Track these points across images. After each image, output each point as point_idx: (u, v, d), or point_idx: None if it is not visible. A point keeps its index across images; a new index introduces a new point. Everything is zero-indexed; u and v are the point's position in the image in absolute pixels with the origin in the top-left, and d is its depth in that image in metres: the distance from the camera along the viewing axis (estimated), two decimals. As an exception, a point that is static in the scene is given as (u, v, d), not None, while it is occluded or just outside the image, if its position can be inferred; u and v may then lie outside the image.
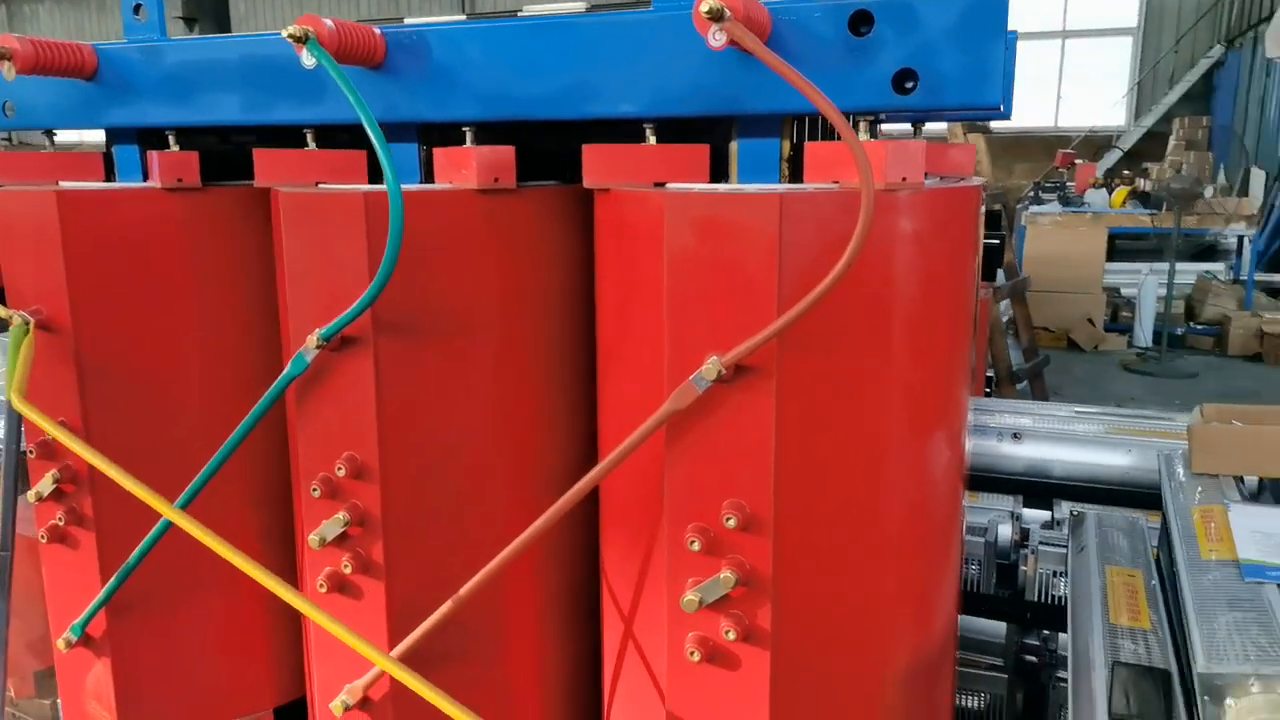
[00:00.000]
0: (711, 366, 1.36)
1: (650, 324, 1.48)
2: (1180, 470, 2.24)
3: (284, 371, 1.65)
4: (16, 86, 2.00)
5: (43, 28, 26.80)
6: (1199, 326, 9.64)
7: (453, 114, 1.66)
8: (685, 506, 1.46)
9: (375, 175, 1.83)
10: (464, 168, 1.61)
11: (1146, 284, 9.21)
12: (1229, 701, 1.40)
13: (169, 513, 1.65)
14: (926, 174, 1.49)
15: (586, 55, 1.56)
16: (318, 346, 1.61)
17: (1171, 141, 16.11)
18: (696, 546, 1.43)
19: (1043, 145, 17.04)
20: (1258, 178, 13.31)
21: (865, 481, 1.46)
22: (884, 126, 1.75)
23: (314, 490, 1.68)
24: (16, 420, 1.85)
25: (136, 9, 1.91)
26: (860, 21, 1.40)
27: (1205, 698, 1.43)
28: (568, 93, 1.58)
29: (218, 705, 2.09)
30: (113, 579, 1.90)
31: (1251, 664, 1.41)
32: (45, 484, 1.91)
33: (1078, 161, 16.23)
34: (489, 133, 1.68)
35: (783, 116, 1.54)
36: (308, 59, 1.55)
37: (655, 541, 1.53)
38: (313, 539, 1.68)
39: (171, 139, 1.92)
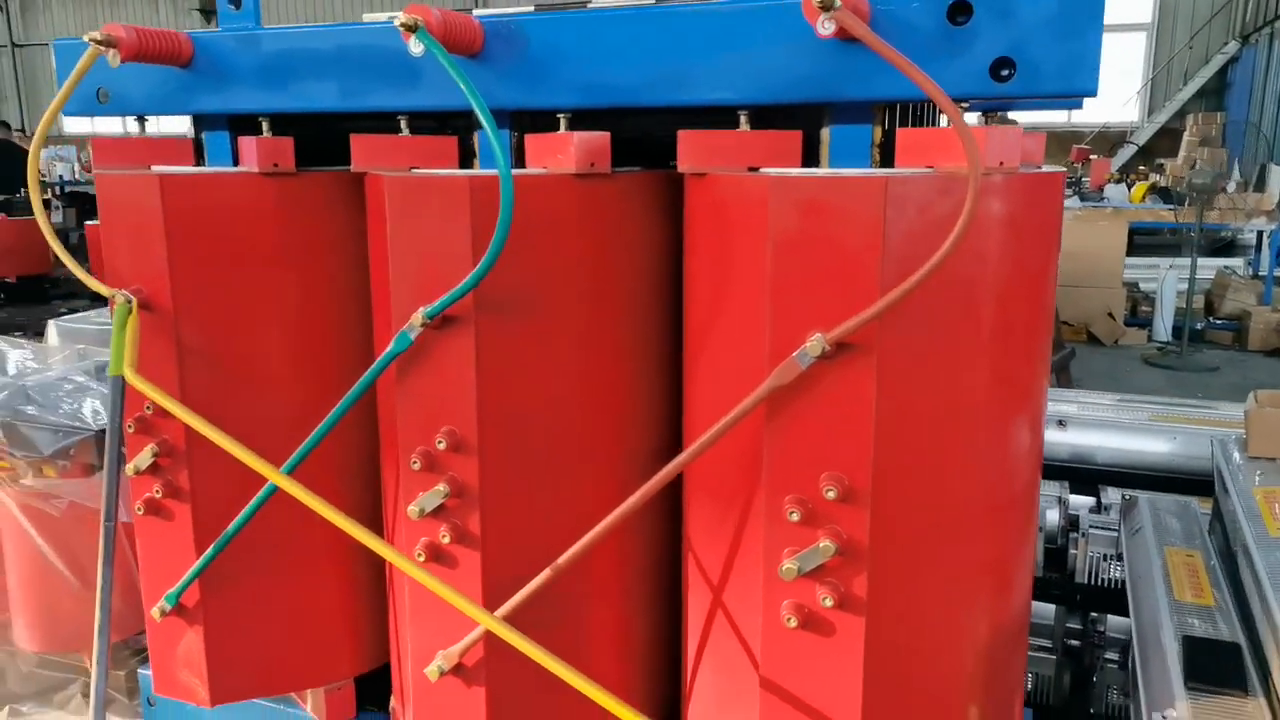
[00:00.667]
0: (816, 343, 1.42)
1: (747, 304, 1.53)
2: (1236, 455, 2.30)
3: (387, 349, 1.71)
4: (111, 74, 2.06)
5: (55, 19, 26.88)
6: (1218, 321, 9.67)
7: (549, 101, 1.72)
8: (784, 478, 1.51)
9: (464, 160, 1.90)
10: (561, 153, 1.67)
11: (1167, 279, 9.24)
12: (1310, 668, 1.45)
13: (278, 479, 1.73)
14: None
15: (686, 44, 1.61)
16: (422, 325, 1.67)
17: (1186, 137, 16.12)
18: (796, 517, 1.49)
19: (1056, 141, 17.06)
20: (1275, 174, 13.32)
21: (957, 456, 1.51)
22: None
23: (414, 463, 1.75)
24: (120, 395, 1.92)
25: (233, 0, 1.97)
26: (958, 11, 1.45)
27: (1286, 665, 1.49)
28: (665, 80, 1.64)
29: (302, 673, 2.16)
30: (211, 548, 1.97)
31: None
32: (144, 458, 1.97)
33: (1092, 157, 16.26)
34: (575, 119, 1.74)
35: (875, 104, 1.60)
36: (415, 47, 1.61)
37: (749, 512, 1.58)
38: (412, 510, 1.74)
39: (265, 125, 1.98)
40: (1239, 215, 10.11)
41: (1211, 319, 9.79)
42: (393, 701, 2.10)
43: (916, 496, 1.50)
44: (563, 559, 1.67)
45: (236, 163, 2.10)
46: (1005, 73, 1.46)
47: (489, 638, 1.77)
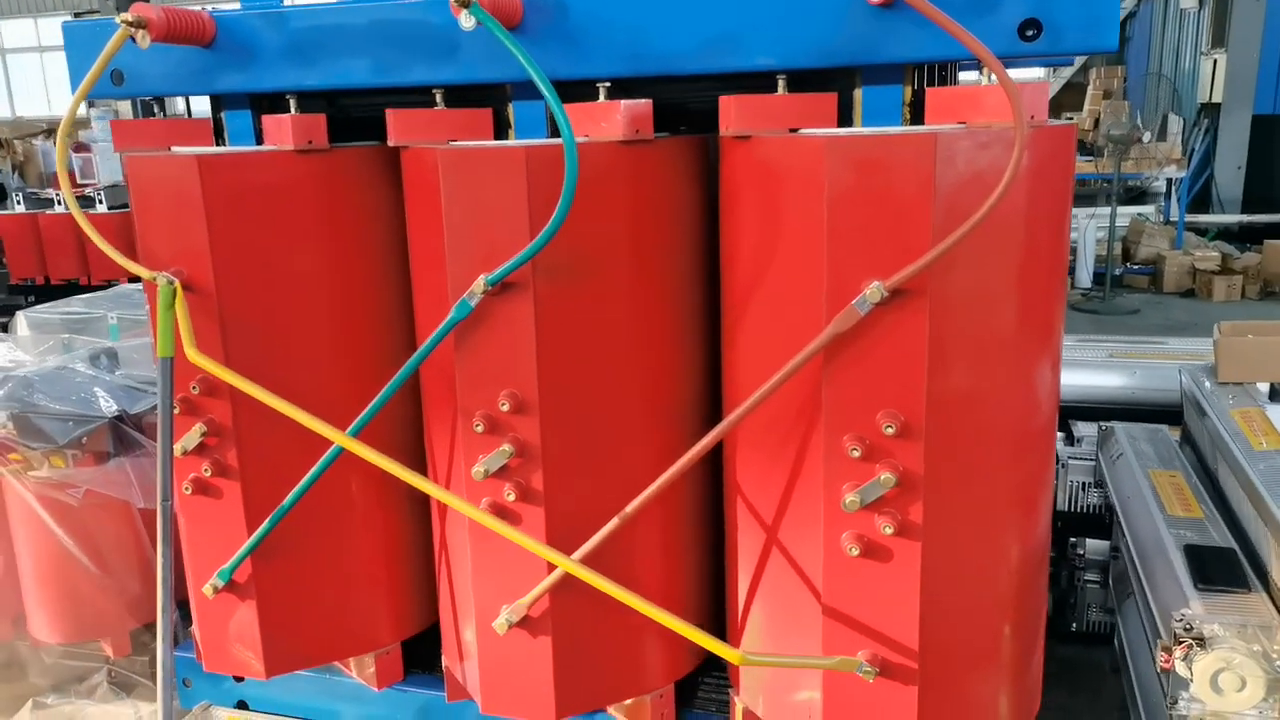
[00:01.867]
0: (875, 290, 1.53)
1: (798, 258, 1.63)
2: (1207, 383, 2.49)
3: (448, 316, 1.77)
4: (127, 55, 2.05)
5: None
6: (1135, 266, 10.14)
7: (590, 71, 1.79)
8: (843, 418, 1.63)
9: (499, 132, 1.96)
10: (605, 121, 1.74)
11: (1088, 228, 9.65)
12: (1314, 560, 1.63)
13: (345, 441, 1.79)
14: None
15: (729, 12, 1.69)
16: (484, 291, 1.73)
17: (1089, 91, 16.69)
18: (857, 453, 1.61)
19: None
20: (1174, 124, 13.95)
21: (997, 389, 1.65)
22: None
23: (477, 426, 1.81)
24: (169, 376, 1.93)
25: (253, -24, 1.98)
26: (990, -23, 1.56)
27: (1291, 559, 1.66)
28: (708, 47, 1.72)
29: (350, 641, 2.21)
30: (268, 520, 2.01)
31: (1333, 526, 1.65)
32: (191, 438, 1.99)
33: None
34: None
35: (906, 65, 1.71)
36: (467, 21, 1.66)
37: (805, 452, 1.69)
38: (477, 470, 1.81)
39: (292, 103, 1.99)
40: (1152, 164, 10.59)
41: (1129, 264, 10.25)
42: (445, 660, 2.18)
43: (963, 428, 1.63)
44: (631, 507, 1.77)
45: (258, 141, 2.11)
46: (1031, 33, 1.58)
47: (554, 588, 1.86)
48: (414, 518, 2.25)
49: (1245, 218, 11.05)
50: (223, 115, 2.13)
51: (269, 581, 2.10)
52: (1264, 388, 2.49)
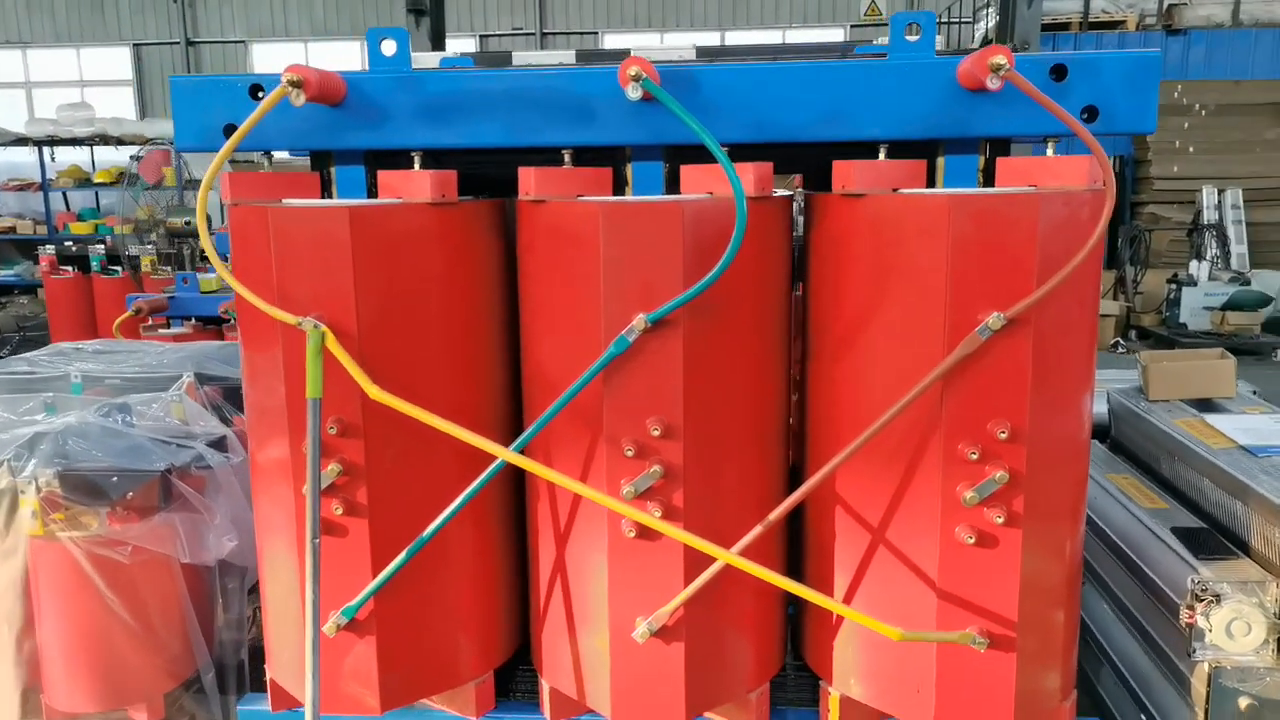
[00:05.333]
0: (996, 320, 1.88)
1: (916, 296, 1.96)
2: (1141, 401, 3.02)
3: (607, 350, 1.97)
4: (243, 108, 2.12)
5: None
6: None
7: (720, 138, 2.05)
8: (961, 427, 1.95)
9: (617, 188, 2.19)
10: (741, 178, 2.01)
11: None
12: (1302, 526, 2.10)
13: (511, 456, 1.93)
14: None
15: (846, 91, 2.02)
16: (644, 329, 1.94)
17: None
18: (975, 456, 1.94)
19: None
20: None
21: (1076, 399, 2.02)
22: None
23: (628, 450, 2.00)
24: (318, 417, 1.99)
25: (383, 42, 2.12)
26: (1058, 72, 1.98)
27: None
28: (824, 120, 2.04)
29: (453, 673, 2.30)
30: (403, 554, 2.09)
31: (1313, 498, 2.12)
32: (326, 477, 2.05)
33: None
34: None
35: (982, 139, 2.09)
36: (634, 93, 1.91)
37: (921, 457, 2.00)
38: (627, 491, 2.00)
39: (417, 160, 2.14)
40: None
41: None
42: (547, 680, 2.30)
43: (1053, 432, 1.99)
44: (773, 515, 2.02)
45: (369, 194, 2.23)
46: (1085, 116, 2.00)
47: (691, 600, 2.06)
48: (507, 546, 2.38)
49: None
50: (333, 169, 2.23)
51: (388, 616, 2.17)
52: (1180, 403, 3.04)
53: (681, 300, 1.92)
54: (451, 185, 2.11)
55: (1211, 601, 2.16)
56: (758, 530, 2.02)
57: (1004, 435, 1.93)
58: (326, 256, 2.01)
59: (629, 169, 2.18)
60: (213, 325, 5.17)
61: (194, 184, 9.92)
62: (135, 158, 15.27)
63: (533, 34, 22.50)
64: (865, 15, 21.81)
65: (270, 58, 23.31)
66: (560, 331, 2.10)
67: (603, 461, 2.06)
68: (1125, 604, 2.68)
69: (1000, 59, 1.81)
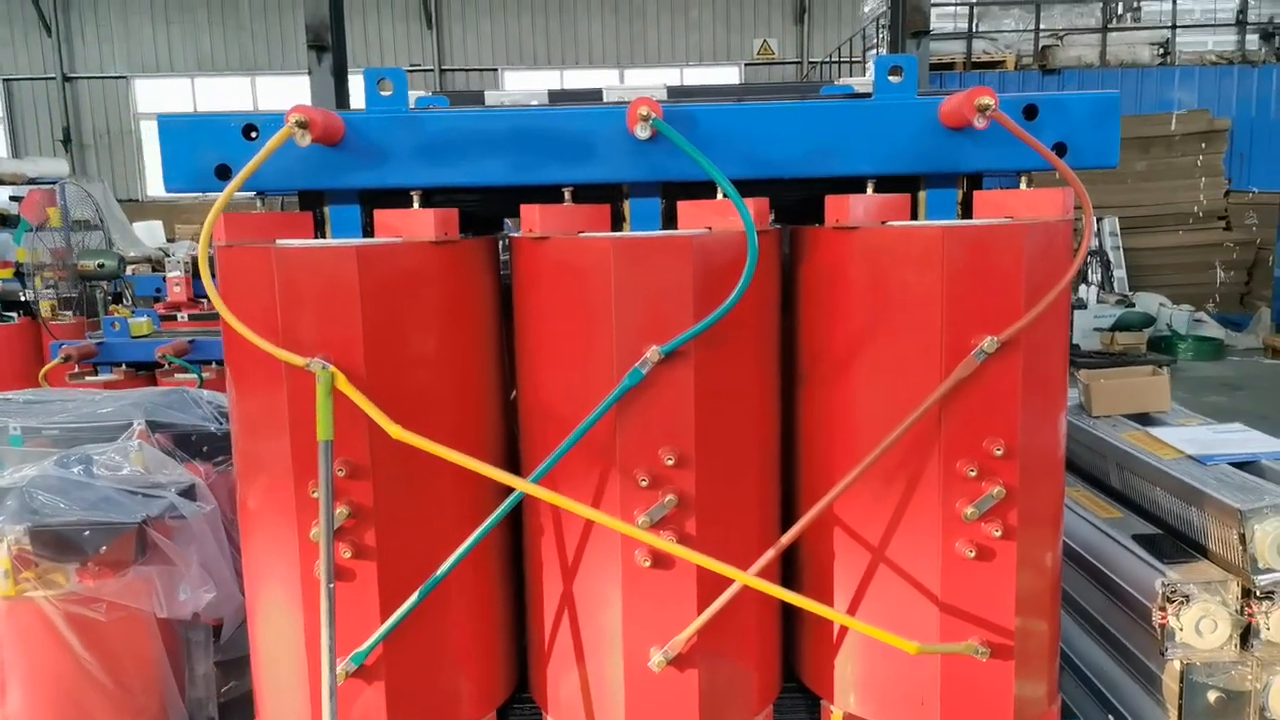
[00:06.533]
0: (991, 343, 1.99)
1: (910, 322, 2.06)
2: (1086, 418, 3.20)
3: (621, 382, 2.00)
4: (232, 149, 2.10)
5: None
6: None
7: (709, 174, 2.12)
8: (958, 446, 2.05)
9: (615, 224, 2.23)
10: (731, 215, 2.09)
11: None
12: (1258, 526, 2.27)
13: (528, 488, 1.95)
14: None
15: (834, 129, 2.12)
16: (657, 360, 1.99)
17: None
18: (974, 473, 2.04)
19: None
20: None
21: (1056, 414, 2.16)
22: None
23: (642, 480, 2.04)
24: (329, 460, 1.96)
25: (380, 83, 2.12)
26: (1031, 111, 2.12)
27: (1242, 530, 2.29)
28: (816, 156, 2.13)
29: (458, 715, 2.27)
30: (416, 594, 2.07)
31: (1266, 499, 2.30)
32: (335, 520, 2.02)
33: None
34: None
35: (960, 174, 2.22)
36: (643, 132, 1.97)
37: (920, 476, 2.09)
38: (642, 520, 2.03)
39: (416, 199, 2.14)
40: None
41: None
42: (550, 718, 2.30)
43: (1040, 446, 2.11)
44: (786, 538, 2.08)
45: (365, 234, 2.21)
46: (1055, 152, 2.15)
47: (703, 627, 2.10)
48: (504, 585, 2.37)
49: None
50: (326, 209, 2.21)
51: (397, 659, 2.13)
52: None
53: (696, 331, 1.98)
54: (453, 223, 2.12)
55: (1181, 603, 2.31)
56: (771, 554, 2.08)
57: (1000, 452, 2.04)
58: (334, 297, 1.99)
59: (626, 205, 2.22)
60: (145, 371, 4.97)
61: (82, 224, 9.51)
62: (15, 199, 14.53)
63: (430, 70, 22.42)
64: (759, 54, 22.54)
65: (154, 94, 22.60)
66: (568, 365, 2.12)
67: (615, 492, 2.08)
68: (1086, 609, 2.83)
69: (987, 99, 1.94)
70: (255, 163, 1.94)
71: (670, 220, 2.20)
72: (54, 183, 12.97)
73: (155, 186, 22.63)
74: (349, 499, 2.05)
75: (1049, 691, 2.28)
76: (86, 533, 2.33)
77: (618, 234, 2.09)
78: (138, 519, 2.41)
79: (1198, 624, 2.30)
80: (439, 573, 2.08)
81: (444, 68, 22.48)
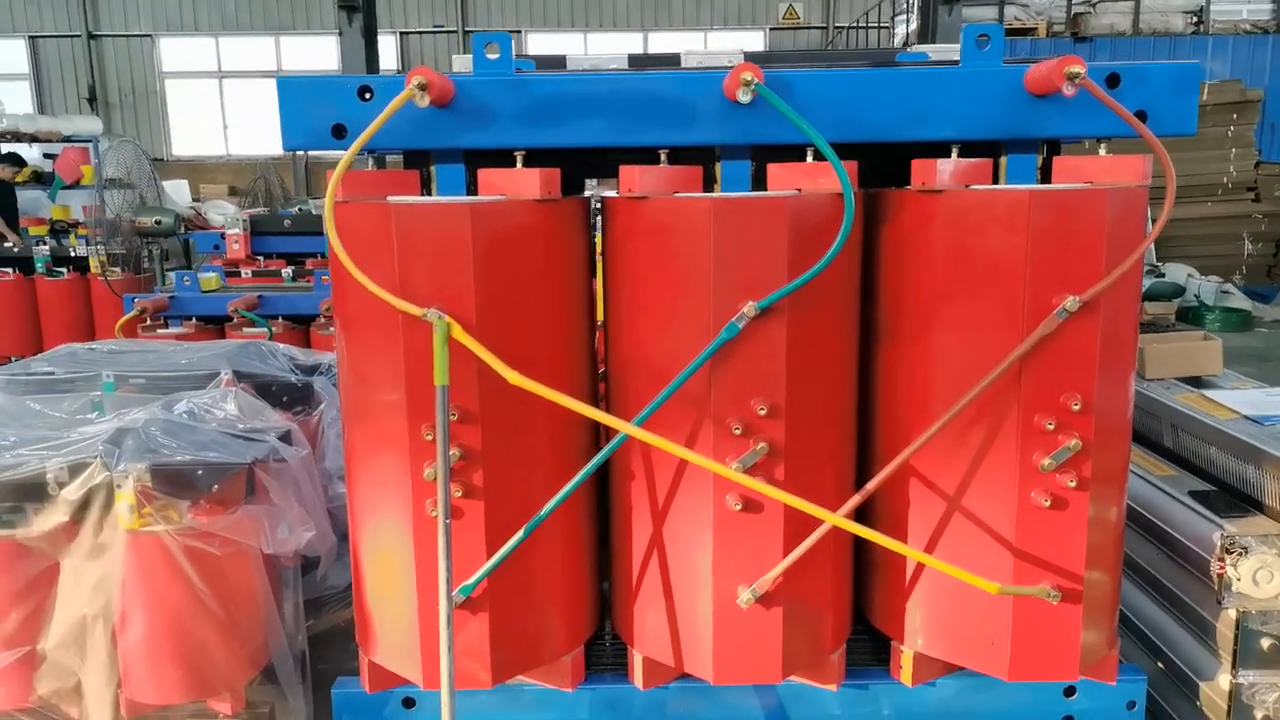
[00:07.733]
0: (1073, 303, 2.09)
1: (993, 281, 2.16)
2: (1139, 380, 3.29)
3: (719, 335, 2.11)
4: (350, 109, 2.21)
5: None
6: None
7: (803, 137, 2.22)
8: (1038, 400, 2.16)
9: (707, 185, 2.33)
10: (823, 176, 2.18)
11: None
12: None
13: (633, 430, 2.06)
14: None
15: (923, 95, 2.21)
16: (754, 315, 2.10)
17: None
18: (1051, 426, 2.15)
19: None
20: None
21: (1128, 373, 2.26)
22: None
23: (735, 429, 2.16)
24: (446, 403, 2.08)
25: (488, 46, 2.22)
26: (1113, 80, 2.20)
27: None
28: (906, 122, 2.22)
29: (552, 647, 2.41)
30: (520, 531, 2.20)
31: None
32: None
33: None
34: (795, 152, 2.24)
35: (1041, 140, 2.31)
36: (745, 96, 2.06)
37: (998, 430, 2.20)
38: (735, 466, 2.15)
39: (519, 159, 2.24)
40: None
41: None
42: (639, 650, 2.43)
43: (1114, 403, 2.22)
44: (871, 484, 2.20)
45: (469, 192, 2.32)
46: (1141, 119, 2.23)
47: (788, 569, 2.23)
48: (591, 527, 2.50)
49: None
50: (432, 168, 2.31)
51: (500, 592, 2.27)
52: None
53: (792, 288, 2.08)
54: (555, 183, 2.23)
55: (1240, 554, 2.42)
56: (858, 498, 2.20)
57: (1077, 407, 2.14)
58: (448, 250, 2.11)
59: (718, 167, 2.32)
60: (213, 325, 5.11)
61: (113, 182, 9.62)
62: (49, 156, 14.67)
63: (454, 32, 22.34)
64: (784, 19, 22.37)
65: (178, 53, 22.62)
66: (664, 319, 2.23)
67: (709, 440, 2.20)
68: (1136, 561, 2.94)
69: (1077, 68, 2.03)
70: (379, 122, 2.04)
71: (758, 182, 2.30)
72: (89, 141, 13.13)
73: (180, 146, 22.77)
74: (460, 442, 2.18)
75: (1109, 636, 2.41)
76: (200, 471, 2.47)
77: (716, 194, 2.19)
78: (247, 460, 2.54)
79: (1255, 574, 2.41)
80: (544, 510, 2.21)
81: (467, 29, 22.40)
